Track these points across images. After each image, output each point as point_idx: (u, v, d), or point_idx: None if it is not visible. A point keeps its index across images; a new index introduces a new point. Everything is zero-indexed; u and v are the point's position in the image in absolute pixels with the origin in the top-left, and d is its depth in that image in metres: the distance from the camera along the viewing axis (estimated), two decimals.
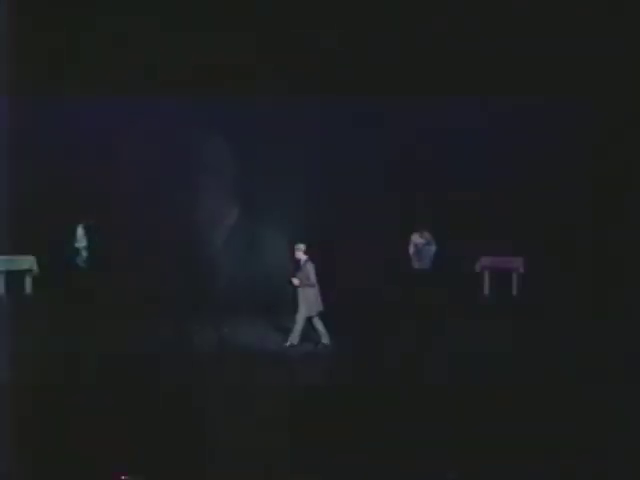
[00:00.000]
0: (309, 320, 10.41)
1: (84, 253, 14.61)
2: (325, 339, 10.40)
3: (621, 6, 11.69)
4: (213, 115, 15.09)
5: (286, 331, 10.68)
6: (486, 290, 14.47)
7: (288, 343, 10.37)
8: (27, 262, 13.91)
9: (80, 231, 14.52)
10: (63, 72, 12.82)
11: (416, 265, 14.42)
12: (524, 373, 8.93)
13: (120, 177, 14.86)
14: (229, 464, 6.04)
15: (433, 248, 14.34)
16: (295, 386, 8.85)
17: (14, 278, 13.72)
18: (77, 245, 14.59)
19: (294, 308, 10.54)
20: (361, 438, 6.54)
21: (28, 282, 13.98)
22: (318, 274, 10.61)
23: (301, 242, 10.60)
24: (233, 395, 7.91)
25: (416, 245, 14.39)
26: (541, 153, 14.83)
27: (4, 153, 11.16)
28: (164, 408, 7.34)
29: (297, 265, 10.47)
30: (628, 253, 13.81)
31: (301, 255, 10.46)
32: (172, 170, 15.34)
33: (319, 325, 10.44)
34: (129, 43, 12.33)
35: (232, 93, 14.13)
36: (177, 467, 6.03)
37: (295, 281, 10.36)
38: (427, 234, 14.36)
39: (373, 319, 12.04)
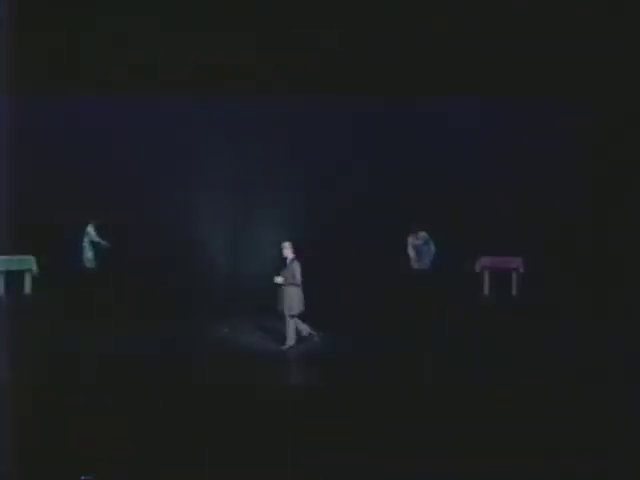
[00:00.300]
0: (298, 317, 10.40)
1: (92, 253, 14.55)
2: (313, 332, 10.37)
3: (621, 6, 11.69)
4: (213, 115, 15.12)
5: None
6: (486, 290, 14.48)
7: (286, 346, 10.33)
8: (27, 262, 13.91)
9: (92, 231, 14.49)
10: (63, 72, 12.81)
11: (416, 265, 14.43)
12: (524, 373, 8.93)
13: (119, 177, 14.87)
14: (229, 464, 6.04)
15: (432, 248, 14.35)
16: (295, 386, 8.86)
17: (14, 278, 13.72)
18: (91, 244, 14.52)
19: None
20: (361, 438, 6.54)
21: (28, 282, 13.98)
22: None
23: (289, 240, 10.54)
24: (233, 395, 7.91)
25: (415, 246, 14.39)
26: (541, 153, 14.85)
27: (4, 153, 11.15)
28: (164, 408, 7.34)
29: (284, 263, 10.41)
30: (628, 253, 13.82)
31: (288, 253, 10.39)
32: (172, 170, 15.37)
33: (300, 325, 10.43)
34: (129, 43, 12.33)
35: (232, 93, 14.14)
36: (177, 467, 6.03)
37: (279, 279, 10.28)
38: (423, 234, 14.36)
39: (373, 319, 12.05)
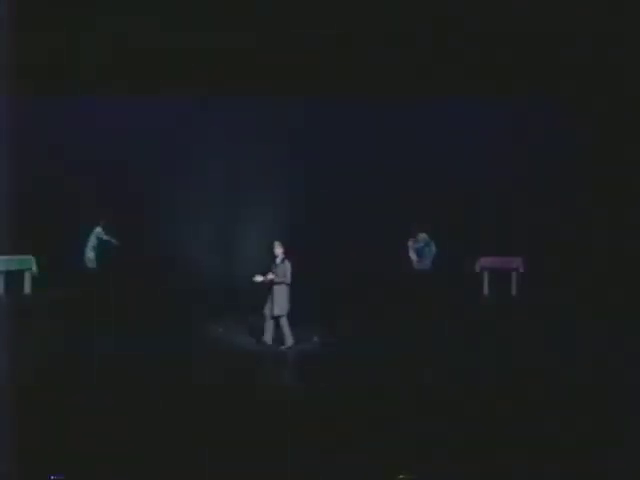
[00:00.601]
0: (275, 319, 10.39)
1: (94, 253, 14.52)
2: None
3: (621, 6, 11.69)
4: (213, 115, 15.13)
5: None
6: (486, 290, 14.49)
7: (285, 346, 10.33)
8: (27, 262, 13.91)
9: (101, 231, 14.47)
10: (63, 72, 12.81)
11: (417, 266, 14.44)
12: (524, 373, 8.93)
13: (119, 177, 14.87)
14: (229, 464, 6.04)
15: (433, 248, 14.35)
16: (295, 386, 8.85)
17: (14, 278, 13.72)
18: (98, 242, 14.48)
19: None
20: (361, 438, 6.54)
21: (28, 282, 13.98)
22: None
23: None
24: (233, 395, 7.91)
25: (416, 249, 14.40)
26: (541, 153, 14.86)
27: (4, 153, 11.15)
28: (164, 408, 7.34)
29: (273, 262, 10.39)
30: (628, 253, 13.82)
31: (278, 252, 10.38)
32: (172, 170, 15.39)
33: (270, 327, 10.41)
34: (129, 43, 12.33)
35: (232, 93, 14.14)
36: (177, 467, 6.03)
37: (269, 276, 10.23)
38: (423, 235, 14.36)
39: (373, 319, 12.06)
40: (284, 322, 10.33)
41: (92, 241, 14.45)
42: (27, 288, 13.98)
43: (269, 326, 10.42)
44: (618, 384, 8.38)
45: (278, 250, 10.40)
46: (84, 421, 6.88)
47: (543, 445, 6.40)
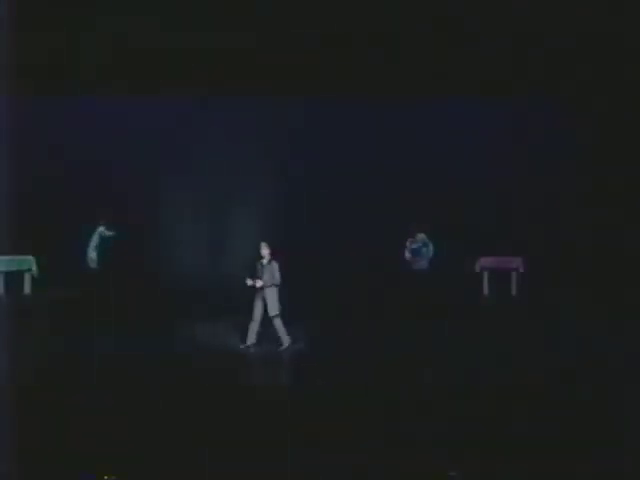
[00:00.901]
0: (262, 321, 10.33)
1: (96, 253, 14.51)
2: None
3: (621, 6, 11.69)
4: (213, 115, 15.13)
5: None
6: (486, 290, 14.48)
7: (283, 347, 10.31)
8: (27, 262, 13.92)
9: (104, 230, 14.46)
10: (63, 72, 12.82)
11: (413, 266, 14.43)
12: (524, 373, 8.93)
13: (119, 177, 14.87)
14: (229, 464, 6.04)
15: (431, 249, 14.33)
16: (295, 386, 8.85)
17: (14, 278, 13.72)
18: (100, 241, 14.48)
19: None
20: (361, 438, 6.54)
21: (28, 282, 13.98)
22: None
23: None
24: (233, 395, 7.91)
25: (412, 250, 14.38)
26: (541, 153, 14.86)
27: (4, 153, 11.15)
28: (164, 408, 7.34)
29: (260, 263, 10.33)
30: (628, 253, 13.81)
31: (265, 253, 10.30)
32: (172, 170, 15.38)
33: (256, 327, 10.34)
34: (129, 43, 12.33)
35: (232, 93, 14.14)
36: (177, 467, 6.03)
37: (258, 282, 10.18)
38: (421, 236, 14.35)
39: (373, 319, 12.05)
40: (278, 323, 10.28)
41: (95, 241, 14.44)
42: (27, 288, 13.99)
43: (253, 328, 10.37)
44: (618, 384, 8.38)
45: (265, 251, 10.29)
46: (84, 421, 6.88)
47: (543, 445, 6.40)
